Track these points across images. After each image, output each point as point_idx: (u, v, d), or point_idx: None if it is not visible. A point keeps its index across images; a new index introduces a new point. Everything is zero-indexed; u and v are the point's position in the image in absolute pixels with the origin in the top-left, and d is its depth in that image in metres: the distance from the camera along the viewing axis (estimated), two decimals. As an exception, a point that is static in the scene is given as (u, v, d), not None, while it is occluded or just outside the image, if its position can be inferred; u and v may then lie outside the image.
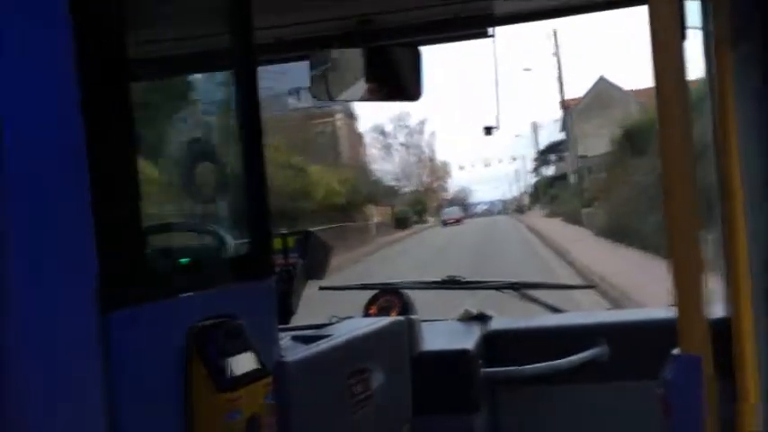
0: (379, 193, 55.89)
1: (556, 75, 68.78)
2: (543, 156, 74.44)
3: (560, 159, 73.89)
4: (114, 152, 1.09)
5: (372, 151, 78.11)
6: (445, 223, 62.86)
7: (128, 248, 1.11)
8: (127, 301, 1.08)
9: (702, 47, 2.06)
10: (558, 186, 56.05)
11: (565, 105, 52.35)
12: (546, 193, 65.99)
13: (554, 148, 76.14)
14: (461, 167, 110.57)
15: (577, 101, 51.07)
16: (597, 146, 38.38)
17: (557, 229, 33.43)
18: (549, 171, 74.11)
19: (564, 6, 2.43)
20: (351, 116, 56.73)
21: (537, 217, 56.43)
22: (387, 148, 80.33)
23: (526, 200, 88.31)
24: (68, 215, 0.99)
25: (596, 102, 47.72)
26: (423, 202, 75.87)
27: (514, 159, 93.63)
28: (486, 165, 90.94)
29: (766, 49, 1.95)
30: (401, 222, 57.33)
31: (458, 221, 64.22)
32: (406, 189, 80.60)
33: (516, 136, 74.10)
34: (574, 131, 49.63)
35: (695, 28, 2.05)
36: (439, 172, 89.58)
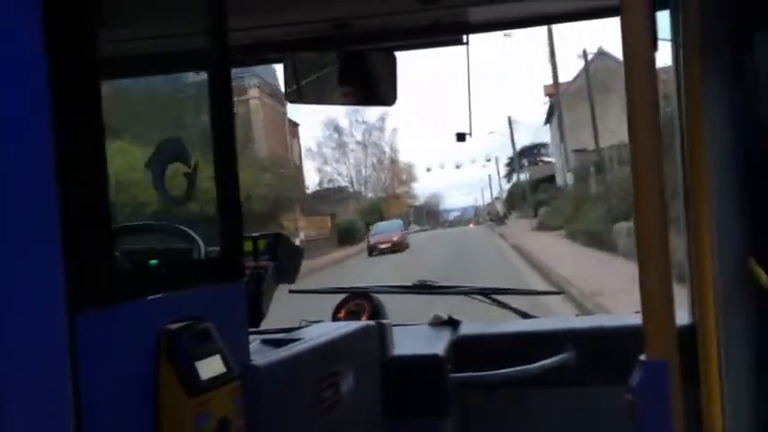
0: (316, 199, 46.43)
1: (545, 43, 57.30)
2: (520, 158, 65.89)
3: (534, 163, 65.12)
4: (83, 153, 1.07)
5: (325, 151, 67.58)
6: (373, 250, 35.05)
7: (96, 249, 1.09)
8: (95, 303, 1.06)
9: (672, 57, 2.10)
10: (546, 191, 45.42)
11: (552, 91, 41.45)
12: (526, 200, 53.09)
13: (528, 151, 68.08)
14: (428, 170, 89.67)
15: (567, 85, 40.45)
16: (599, 137, 27.96)
17: (569, 259, 18.15)
18: (523, 176, 64.17)
19: (537, 16, 2.46)
20: (274, 96, 39.48)
21: (523, 230, 38.62)
22: (342, 146, 69.24)
23: (499, 207, 77.08)
24: (36, 216, 0.97)
25: (594, 82, 31.54)
26: (379, 210, 60.39)
27: (488, 161, 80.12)
28: (458, 166, 78.21)
29: (734, 60, 1.99)
30: (346, 237, 43.63)
31: (394, 247, 35.08)
32: (368, 195, 69.63)
33: (490, 133, 61.10)
34: (565, 121, 39.91)
35: (666, 39, 2.09)
36: (402, 175, 76.69)
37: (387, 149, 73.17)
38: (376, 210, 60.71)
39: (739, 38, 2.02)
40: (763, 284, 1.96)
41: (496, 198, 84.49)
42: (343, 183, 69.00)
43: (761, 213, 2.05)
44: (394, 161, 74.70)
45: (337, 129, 69.18)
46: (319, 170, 69.63)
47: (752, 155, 2.04)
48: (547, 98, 50.69)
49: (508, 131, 62.04)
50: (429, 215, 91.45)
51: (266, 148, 38.56)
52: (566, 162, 40.83)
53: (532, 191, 51.22)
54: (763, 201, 2.05)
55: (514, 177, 71.00)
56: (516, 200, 63.71)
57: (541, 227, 36.53)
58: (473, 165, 79.93)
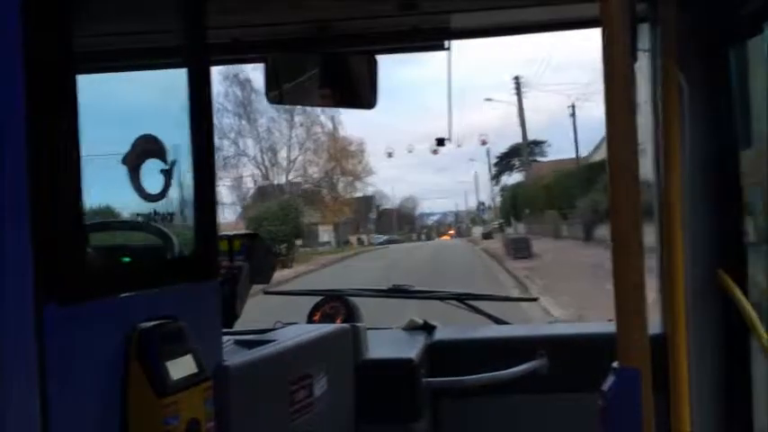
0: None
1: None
2: (508, 161, 50.65)
3: (527, 163, 45.34)
4: (56, 148, 1.06)
5: (225, 121, 39.37)
6: None
7: (67, 244, 1.08)
8: (65, 298, 1.05)
9: (650, 67, 2.13)
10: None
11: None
12: (557, 205, 31.71)
13: (514, 153, 49.66)
14: (390, 155, 47.81)
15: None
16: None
17: None
18: (512, 179, 48.95)
19: (519, 24, 2.48)
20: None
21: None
22: (248, 111, 40.55)
23: (486, 217, 53.94)
24: (5, 208, 0.96)
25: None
26: (293, 218, 31.58)
27: (484, 143, 48.53)
28: (434, 152, 40.65)
29: (710, 71, 2.02)
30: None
31: None
32: (328, 193, 43.35)
33: (487, 100, 40.41)
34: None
35: (645, 50, 2.12)
36: (348, 159, 44.75)
37: (323, 119, 42.07)
38: (286, 216, 31.16)
39: (714, 50, 2.05)
40: (732, 295, 1.99)
41: (482, 203, 61.31)
42: (254, 170, 41.54)
43: (730, 225, 2.08)
44: (335, 138, 43.32)
45: (241, 82, 38.90)
46: (216, 149, 40.61)
47: (725, 167, 2.07)
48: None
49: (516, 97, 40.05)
50: (403, 220, 76.01)
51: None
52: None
53: (584, 186, 26.29)
54: (732, 213, 2.09)
55: (505, 177, 48.97)
56: (534, 205, 37.71)
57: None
58: (459, 149, 46.99)
